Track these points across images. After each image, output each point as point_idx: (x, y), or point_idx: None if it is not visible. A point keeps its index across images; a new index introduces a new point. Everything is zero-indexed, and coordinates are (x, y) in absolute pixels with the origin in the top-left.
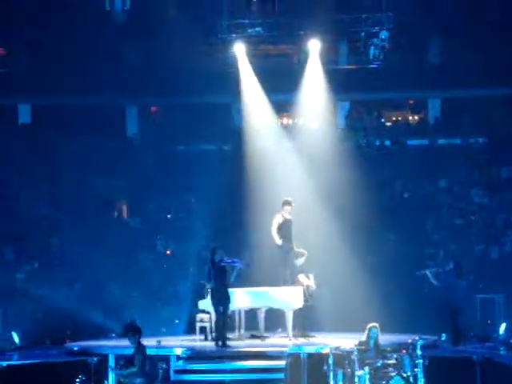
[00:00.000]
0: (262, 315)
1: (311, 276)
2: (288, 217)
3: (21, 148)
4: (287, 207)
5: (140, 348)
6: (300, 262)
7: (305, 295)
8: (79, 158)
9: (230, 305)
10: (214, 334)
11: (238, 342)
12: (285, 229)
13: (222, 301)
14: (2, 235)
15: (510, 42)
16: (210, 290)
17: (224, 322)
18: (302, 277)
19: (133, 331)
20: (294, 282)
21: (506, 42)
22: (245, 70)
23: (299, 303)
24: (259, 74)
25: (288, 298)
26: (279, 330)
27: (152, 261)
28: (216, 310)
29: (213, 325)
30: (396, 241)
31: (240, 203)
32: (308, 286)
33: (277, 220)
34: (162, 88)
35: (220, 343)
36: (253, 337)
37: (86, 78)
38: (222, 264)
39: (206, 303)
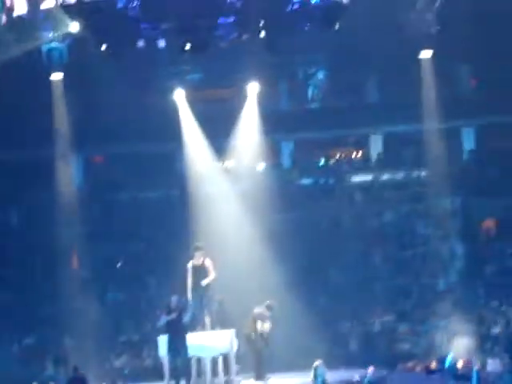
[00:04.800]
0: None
1: (267, 321)
2: (197, 263)
3: None
4: (196, 253)
5: None
6: (266, 327)
7: (260, 340)
8: (27, 210)
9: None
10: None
11: None
12: (194, 275)
13: (178, 349)
14: None
15: (442, 78)
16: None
17: (182, 370)
18: (259, 323)
19: None
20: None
21: (439, 78)
22: (186, 116)
23: (224, 348)
24: (200, 120)
25: (209, 343)
26: (269, 376)
27: (103, 310)
28: (172, 359)
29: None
30: (342, 277)
31: (188, 247)
32: (262, 332)
33: (188, 267)
34: (105, 138)
35: None
36: None
37: (30, 132)
38: (178, 311)
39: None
